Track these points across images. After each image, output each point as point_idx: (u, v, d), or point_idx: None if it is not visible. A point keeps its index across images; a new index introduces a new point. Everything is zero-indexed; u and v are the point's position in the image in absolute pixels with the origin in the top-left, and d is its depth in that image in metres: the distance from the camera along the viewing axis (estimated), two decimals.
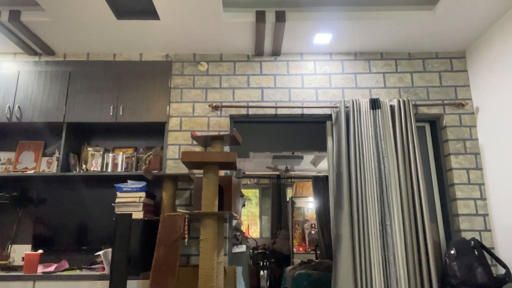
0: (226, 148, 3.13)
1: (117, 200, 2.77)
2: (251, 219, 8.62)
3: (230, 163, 2.51)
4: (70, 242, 3.04)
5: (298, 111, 3.25)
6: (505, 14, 2.85)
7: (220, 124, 3.19)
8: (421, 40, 3.20)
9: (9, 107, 3.08)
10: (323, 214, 7.39)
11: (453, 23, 2.96)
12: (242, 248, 3.61)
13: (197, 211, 2.44)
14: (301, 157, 6.75)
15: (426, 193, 2.93)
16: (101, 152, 3.21)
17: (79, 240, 3.05)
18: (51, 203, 3.13)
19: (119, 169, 3.12)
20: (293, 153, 6.38)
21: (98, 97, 3.13)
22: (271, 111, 3.25)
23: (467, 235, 2.98)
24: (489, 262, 2.85)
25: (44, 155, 3.27)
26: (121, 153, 3.18)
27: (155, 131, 3.35)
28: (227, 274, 2.70)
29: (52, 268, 2.77)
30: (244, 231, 5.66)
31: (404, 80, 3.33)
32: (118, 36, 3.11)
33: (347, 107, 3.15)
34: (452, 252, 2.82)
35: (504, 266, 2.76)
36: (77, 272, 2.69)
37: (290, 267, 5.74)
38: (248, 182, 8.79)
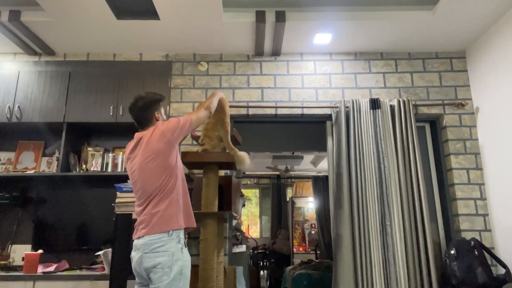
0: None
1: (117, 200, 2.76)
2: (251, 219, 8.62)
3: (230, 163, 2.51)
4: (70, 242, 3.04)
5: (298, 111, 3.25)
6: (505, 14, 2.85)
7: None
8: (421, 40, 3.20)
9: (9, 107, 3.08)
10: (323, 214, 7.39)
11: (453, 23, 2.96)
12: (242, 248, 3.61)
13: (197, 211, 2.44)
14: (301, 157, 6.75)
15: (426, 193, 2.93)
16: (101, 152, 3.20)
17: (79, 240, 3.05)
18: (51, 203, 3.12)
19: (119, 169, 3.11)
20: (293, 153, 6.38)
21: (98, 97, 3.12)
22: (271, 111, 3.25)
23: (467, 235, 2.98)
24: (489, 262, 2.84)
25: (44, 155, 3.27)
26: (121, 153, 3.18)
27: None
28: (227, 274, 2.70)
29: (52, 268, 2.77)
30: (244, 231, 5.65)
31: (404, 80, 3.33)
32: (118, 36, 3.10)
33: (347, 107, 3.15)
34: (452, 252, 2.82)
35: (504, 266, 2.76)
36: (77, 272, 2.69)
37: (290, 267, 5.74)
38: (248, 182, 8.79)
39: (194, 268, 2.62)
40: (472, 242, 2.84)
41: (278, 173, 8.14)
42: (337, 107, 3.18)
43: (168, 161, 2.07)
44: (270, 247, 7.48)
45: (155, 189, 2.03)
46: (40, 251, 2.76)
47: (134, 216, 2.66)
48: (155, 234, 1.95)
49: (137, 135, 2.19)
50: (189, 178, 2.90)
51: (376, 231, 2.85)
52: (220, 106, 2.46)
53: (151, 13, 2.81)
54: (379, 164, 2.99)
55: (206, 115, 2.29)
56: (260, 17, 2.85)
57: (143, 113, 2.18)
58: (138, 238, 2.01)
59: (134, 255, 2.01)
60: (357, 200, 2.92)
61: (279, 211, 8.21)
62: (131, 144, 2.20)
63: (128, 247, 2.45)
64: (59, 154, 3.04)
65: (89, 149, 3.21)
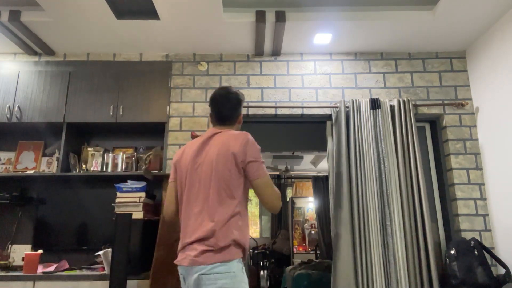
0: None
1: (117, 200, 2.76)
2: (251, 219, 8.61)
3: None
4: (70, 242, 3.04)
5: (298, 111, 3.25)
6: (505, 14, 2.85)
7: None
8: (421, 40, 3.20)
9: (9, 107, 3.08)
10: (323, 214, 7.39)
11: (453, 23, 2.96)
12: None
13: None
14: (301, 157, 6.74)
15: (426, 193, 2.93)
16: (101, 152, 3.20)
17: (79, 240, 3.05)
18: (51, 203, 3.13)
19: (119, 169, 3.11)
20: (293, 153, 6.37)
21: (98, 97, 3.13)
22: (271, 111, 3.25)
23: (467, 235, 2.98)
24: (489, 262, 2.84)
25: (44, 155, 3.27)
26: (121, 153, 3.18)
27: (155, 131, 3.35)
28: None
29: (52, 268, 2.77)
30: None
31: (404, 80, 3.33)
32: (118, 36, 3.10)
33: (347, 107, 3.15)
34: (452, 252, 2.82)
35: (504, 266, 2.76)
36: (77, 272, 2.69)
37: (290, 267, 5.73)
38: None
39: None
40: (472, 242, 2.84)
41: (278, 173, 8.14)
42: (337, 107, 3.18)
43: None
44: (270, 247, 7.48)
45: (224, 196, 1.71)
46: (40, 251, 2.76)
47: (135, 216, 2.66)
48: (225, 261, 1.65)
49: (212, 130, 1.88)
50: None
51: (376, 231, 2.85)
52: None
53: (151, 13, 2.81)
54: (379, 164, 2.99)
55: (278, 196, 1.79)
56: (260, 17, 2.85)
57: (233, 111, 1.92)
58: (194, 265, 1.65)
59: (188, 276, 1.70)
60: (357, 200, 2.92)
61: (279, 211, 8.20)
62: (196, 142, 1.88)
63: (128, 247, 2.46)
64: (59, 154, 3.05)
65: (89, 149, 3.21)
